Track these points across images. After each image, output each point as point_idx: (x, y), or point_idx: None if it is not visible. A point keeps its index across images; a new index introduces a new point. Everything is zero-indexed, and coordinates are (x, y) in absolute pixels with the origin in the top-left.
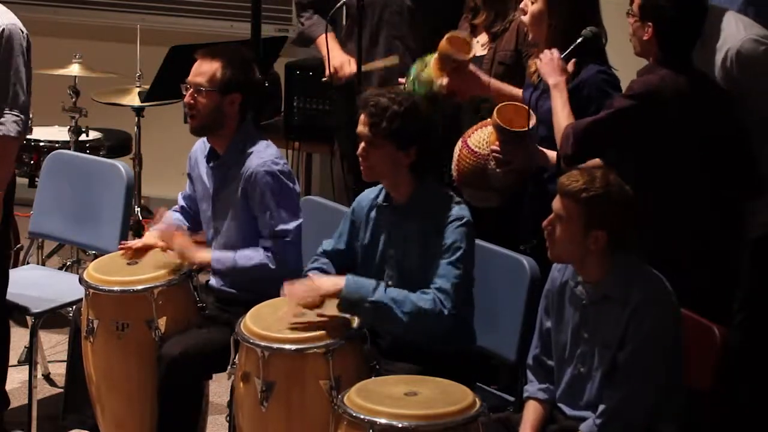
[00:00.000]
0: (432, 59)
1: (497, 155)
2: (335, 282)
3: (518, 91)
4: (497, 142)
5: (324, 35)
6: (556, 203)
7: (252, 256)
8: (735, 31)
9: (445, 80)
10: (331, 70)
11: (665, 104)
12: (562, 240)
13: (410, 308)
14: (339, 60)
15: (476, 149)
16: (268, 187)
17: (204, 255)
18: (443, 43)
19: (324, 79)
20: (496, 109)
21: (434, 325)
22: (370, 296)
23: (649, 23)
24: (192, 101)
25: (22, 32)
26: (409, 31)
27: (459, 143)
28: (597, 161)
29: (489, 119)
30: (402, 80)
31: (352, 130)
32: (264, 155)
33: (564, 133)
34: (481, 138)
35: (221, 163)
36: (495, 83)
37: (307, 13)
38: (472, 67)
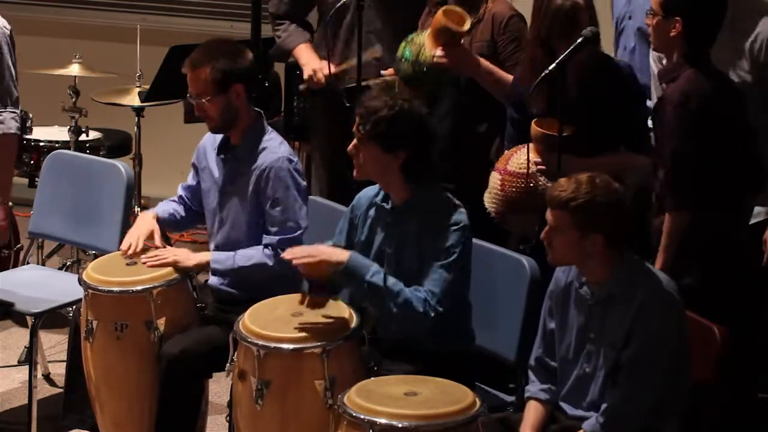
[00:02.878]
0: (424, 34)
1: (544, 167)
2: (338, 253)
3: (506, 75)
4: (539, 156)
5: (301, 45)
6: (548, 215)
7: (252, 255)
8: None
9: (439, 51)
10: (309, 73)
11: (701, 106)
12: (561, 249)
13: (402, 301)
14: (317, 64)
15: (520, 170)
16: (283, 183)
17: (201, 257)
18: (439, 15)
19: (301, 86)
20: (533, 122)
21: (417, 323)
22: (369, 277)
23: (677, 18)
24: (202, 112)
25: (6, 28)
26: (383, 26)
27: (495, 175)
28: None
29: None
30: (385, 72)
31: (329, 131)
32: (279, 151)
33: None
34: (520, 160)
35: (234, 155)
36: (485, 63)
37: (284, 24)
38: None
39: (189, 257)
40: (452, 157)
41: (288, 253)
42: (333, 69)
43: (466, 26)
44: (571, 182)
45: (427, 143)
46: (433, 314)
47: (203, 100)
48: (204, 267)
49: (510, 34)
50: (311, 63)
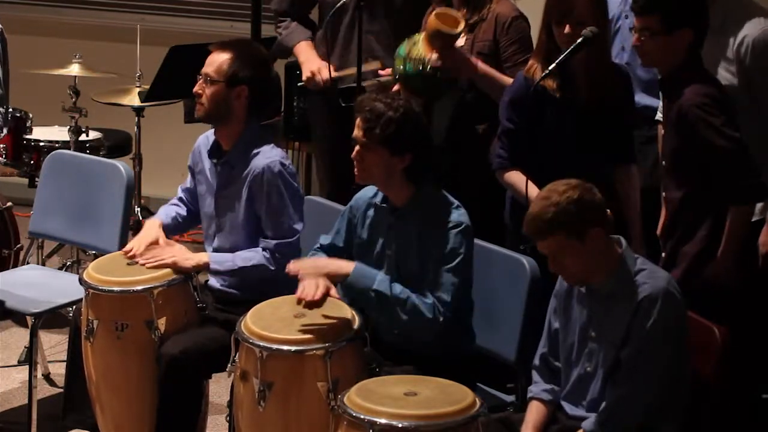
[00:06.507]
0: (421, 37)
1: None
2: (342, 265)
3: (505, 78)
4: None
5: (301, 42)
6: (542, 246)
7: (251, 257)
8: (757, 20)
9: (435, 56)
10: (308, 74)
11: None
12: (575, 268)
13: (410, 308)
14: (316, 65)
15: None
16: (276, 187)
17: (200, 257)
18: (432, 18)
19: (300, 83)
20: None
21: (428, 329)
22: (375, 285)
23: (687, 29)
24: (200, 91)
25: None
26: (382, 27)
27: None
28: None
29: None
30: (382, 72)
31: (329, 131)
32: (271, 155)
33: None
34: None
35: (225, 161)
36: (483, 66)
37: (285, 22)
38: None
39: (187, 258)
40: (451, 154)
41: (293, 265)
42: (333, 74)
43: (460, 29)
44: (540, 203)
45: (429, 143)
46: (442, 319)
47: (206, 80)
48: (202, 268)
49: (512, 36)
50: (310, 62)
